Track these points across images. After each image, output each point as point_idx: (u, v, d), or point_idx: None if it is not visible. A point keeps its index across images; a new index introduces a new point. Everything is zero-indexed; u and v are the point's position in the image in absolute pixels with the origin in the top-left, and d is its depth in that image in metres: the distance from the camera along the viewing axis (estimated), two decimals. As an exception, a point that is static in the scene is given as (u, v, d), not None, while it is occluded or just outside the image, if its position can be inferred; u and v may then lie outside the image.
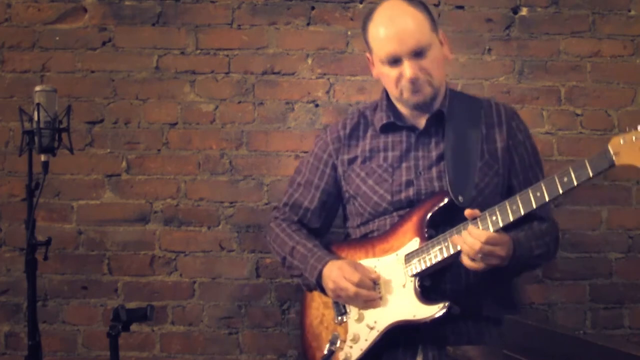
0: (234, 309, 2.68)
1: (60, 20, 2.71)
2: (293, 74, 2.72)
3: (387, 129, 2.18)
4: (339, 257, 2.13)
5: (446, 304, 1.94)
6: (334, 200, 2.27)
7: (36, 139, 2.11)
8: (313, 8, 2.73)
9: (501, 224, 1.89)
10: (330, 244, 2.23)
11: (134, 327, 2.12)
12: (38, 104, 2.11)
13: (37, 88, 2.16)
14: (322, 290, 2.13)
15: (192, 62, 2.71)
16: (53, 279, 2.67)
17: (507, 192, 2.10)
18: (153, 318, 2.13)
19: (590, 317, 2.70)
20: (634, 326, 2.69)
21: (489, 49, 2.72)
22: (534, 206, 1.86)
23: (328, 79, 2.72)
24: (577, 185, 1.80)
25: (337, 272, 2.06)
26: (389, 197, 2.11)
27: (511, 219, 1.88)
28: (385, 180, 2.12)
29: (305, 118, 2.71)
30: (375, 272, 2.07)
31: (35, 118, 2.11)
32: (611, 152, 1.75)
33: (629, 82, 2.73)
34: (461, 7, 2.73)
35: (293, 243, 2.20)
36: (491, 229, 1.90)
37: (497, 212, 1.90)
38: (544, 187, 1.84)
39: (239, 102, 2.72)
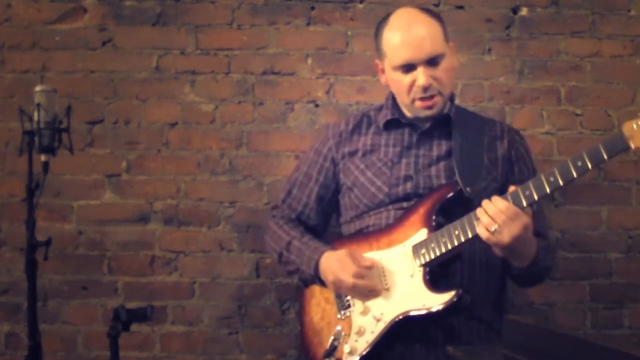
0: (234, 309, 2.68)
1: (60, 20, 2.71)
2: (293, 74, 2.72)
3: (390, 125, 2.19)
4: (335, 249, 2.11)
5: (458, 291, 1.91)
6: (332, 195, 2.26)
7: (36, 139, 2.10)
8: (313, 8, 2.73)
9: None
10: (332, 240, 2.21)
11: (134, 327, 2.12)
12: (38, 104, 2.11)
13: (37, 88, 2.15)
14: (321, 283, 2.11)
15: (192, 62, 2.71)
16: (53, 279, 2.67)
17: None
18: (153, 318, 2.12)
19: (590, 317, 2.70)
20: (634, 326, 2.69)
21: (489, 49, 2.72)
22: (548, 191, 1.85)
23: (328, 79, 2.72)
24: (591, 168, 1.80)
25: (336, 264, 2.04)
26: (386, 189, 2.11)
27: (524, 204, 1.86)
28: (384, 174, 2.13)
29: (305, 118, 2.71)
30: (369, 260, 2.04)
31: (35, 118, 2.10)
32: (625, 135, 1.75)
33: (629, 82, 2.73)
34: (461, 7, 2.73)
35: (289, 238, 2.20)
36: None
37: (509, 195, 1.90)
38: (557, 172, 1.84)
39: (239, 102, 2.72)
